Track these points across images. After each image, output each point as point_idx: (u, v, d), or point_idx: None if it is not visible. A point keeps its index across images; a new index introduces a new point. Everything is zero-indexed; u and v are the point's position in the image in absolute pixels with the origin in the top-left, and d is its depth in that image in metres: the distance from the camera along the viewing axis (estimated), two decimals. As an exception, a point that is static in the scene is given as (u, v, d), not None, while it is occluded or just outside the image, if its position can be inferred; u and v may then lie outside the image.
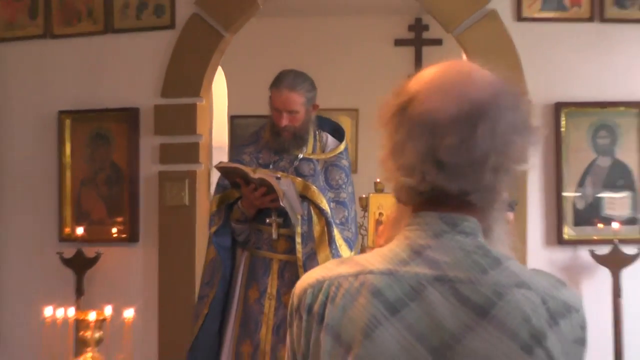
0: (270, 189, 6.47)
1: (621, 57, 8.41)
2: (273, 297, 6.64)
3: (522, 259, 8.12)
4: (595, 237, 8.38)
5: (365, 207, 9.30)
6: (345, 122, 10.38)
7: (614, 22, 8.44)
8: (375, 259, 2.54)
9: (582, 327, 2.53)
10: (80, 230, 8.75)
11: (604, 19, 8.44)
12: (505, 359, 2.40)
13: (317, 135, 6.99)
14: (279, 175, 6.57)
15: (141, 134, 8.78)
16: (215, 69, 9.01)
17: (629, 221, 8.36)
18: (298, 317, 2.58)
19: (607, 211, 8.42)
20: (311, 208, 6.69)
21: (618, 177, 8.46)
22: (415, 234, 2.53)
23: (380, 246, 2.65)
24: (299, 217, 6.62)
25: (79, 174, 8.88)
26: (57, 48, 8.94)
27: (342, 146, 7.03)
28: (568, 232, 8.46)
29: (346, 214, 6.83)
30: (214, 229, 6.99)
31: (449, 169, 2.44)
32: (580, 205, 8.48)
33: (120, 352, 6.31)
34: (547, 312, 2.46)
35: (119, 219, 8.77)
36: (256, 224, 6.77)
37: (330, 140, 7.02)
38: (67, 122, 8.85)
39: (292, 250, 6.67)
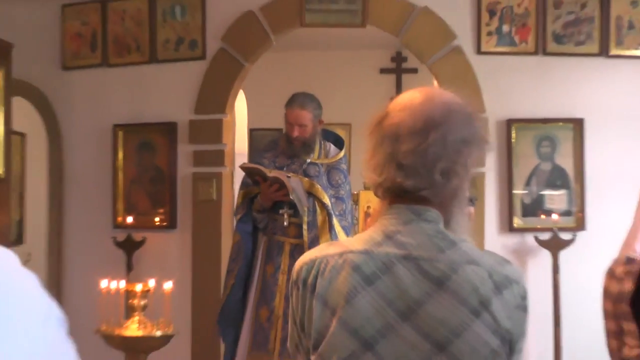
0: (282, 186, 6.57)
1: (559, 83, 8.40)
2: (285, 272, 6.66)
3: (481, 243, 8.16)
4: (538, 226, 8.38)
5: (356, 201, 9.19)
6: (341, 134, 10.39)
7: (553, 55, 8.42)
8: (356, 242, 2.63)
9: (523, 296, 2.57)
10: (130, 219, 8.80)
11: (545, 53, 8.43)
12: (457, 321, 2.46)
13: (322, 144, 7.02)
14: (289, 175, 6.61)
15: (178, 142, 8.76)
16: (238, 92, 8.90)
17: (565, 213, 8.36)
18: (296, 288, 2.65)
19: (548, 205, 8.43)
20: (315, 202, 6.72)
21: (557, 179, 8.46)
22: (389, 221, 2.60)
23: None
24: (306, 209, 6.68)
25: (129, 175, 8.87)
26: (112, 74, 8.93)
27: (342, 153, 7.03)
28: (517, 222, 8.41)
29: (344, 207, 6.89)
30: (238, 217, 7.03)
31: (405, 169, 2.53)
32: (527, 200, 8.45)
33: (161, 316, 6.39)
34: (492, 283, 2.52)
35: (161, 210, 8.76)
36: (272, 214, 6.81)
37: (333, 148, 7.06)
38: (120, 133, 8.85)
39: (300, 235, 6.73)
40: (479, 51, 8.54)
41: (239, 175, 7.46)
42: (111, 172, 8.92)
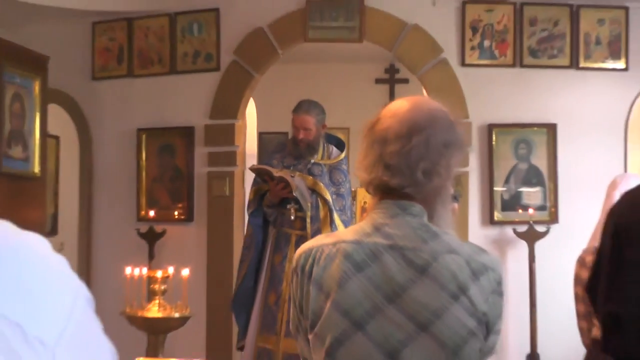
0: (287, 184, 6.55)
1: (534, 92, 8.42)
2: (291, 261, 6.70)
3: (465, 235, 8.19)
4: (516, 219, 8.34)
5: (354, 197, 9.29)
6: (340, 137, 10.40)
7: (529, 67, 8.44)
8: (348, 233, 2.67)
9: (498, 282, 2.57)
10: (152, 213, 8.76)
11: (522, 65, 8.45)
12: (438, 304, 2.49)
13: (325, 147, 7.02)
14: (293, 175, 6.67)
15: (195, 145, 8.74)
16: (248, 99, 8.90)
17: (540, 208, 8.38)
18: (295, 275, 2.67)
19: (525, 201, 8.44)
20: (318, 198, 6.73)
21: (532, 177, 8.48)
22: (377, 215, 2.61)
23: None
24: (309, 204, 6.71)
25: (151, 174, 8.86)
26: (136, 84, 8.93)
27: (343, 155, 7.03)
28: (497, 215, 8.41)
29: (344, 203, 6.90)
30: (250, 211, 7.02)
31: (391, 169, 2.54)
32: (506, 196, 8.46)
33: (179, 300, 6.39)
34: (470, 270, 2.53)
35: (179, 205, 8.75)
36: (280, 209, 6.81)
37: (335, 150, 7.06)
38: (143, 136, 8.84)
39: (305, 227, 6.72)
40: (463, 64, 8.54)
41: (250, 174, 7.49)
42: (135, 171, 8.94)
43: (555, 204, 8.49)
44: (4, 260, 0.66)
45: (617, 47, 8.50)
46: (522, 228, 8.32)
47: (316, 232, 6.60)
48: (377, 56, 9.90)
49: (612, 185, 5.22)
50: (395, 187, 2.57)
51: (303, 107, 6.88)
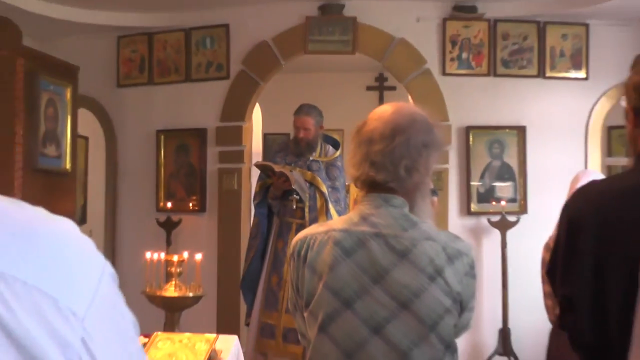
0: (288, 178, 6.63)
1: (506, 98, 8.43)
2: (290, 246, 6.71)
3: (445, 224, 8.19)
4: (490, 210, 8.33)
5: (347, 191, 9.30)
6: (338, 136, 10.39)
7: (502, 77, 8.44)
8: (338, 222, 2.70)
9: (471, 265, 2.62)
10: (169, 205, 8.72)
11: (496, 75, 8.45)
12: (417, 285, 2.52)
13: (323, 146, 7.05)
14: (292, 170, 6.71)
15: (208, 144, 8.76)
16: (254, 104, 8.89)
17: (511, 200, 8.38)
18: (292, 259, 2.71)
19: (498, 194, 8.44)
20: (316, 191, 6.79)
21: (504, 173, 8.49)
22: (364, 206, 2.65)
23: None
24: (307, 195, 6.74)
25: (168, 170, 8.87)
26: (156, 91, 8.94)
27: (338, 153, 7.03)
28: (473, 207, 8.42)
29: (339, 195, 6.92)
30: (256, 202, 7.06)
31: (376, 166, 2.58)
32: (481, 190, 8.47)
33: (193, 281, 6.39)
34: (445, 255, 2.56)
35: (193, 198, 8.75)
36: (283, 201, 6.84)
37: (331, 149, 7.08)
38: (162, 137, 8.85)
39: (304, 217, 6.78)
40: (444, 73, 8.53)
41: (255, 170, 7.49)
42: (154, 167, 8.94)
43: (524, 197, 8.49)
44: (41, 240, 0.66)
45: (578, 59, 8.52)
46: (495, 218, 8.33)
47: (314, 220, 6.65)
48: (368, 66, 9.90)
49: (575, 180, 5.23)
50: (380, 181, 2.60)
51: (303, 109, 6.94)
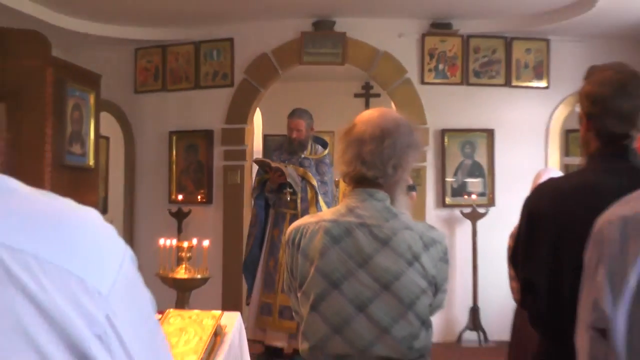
0: (283, 172, 6.63)
1: (477, 104, 8.44)
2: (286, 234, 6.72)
3: (422, 215, 8.21)
4: (462, 203, 8.38)
5: (337, 185, 9.28)
6: (327, 138, 10.33)
7: (473, 85, 8.47)
8: (328, 213, 2.71)
9: (445, 252, 2.63)
10: (180, 197, 8.69)
11: (469, 84, 8.48)
12: (397, 269, 2.54)
13: (313, 146, 7.02)
14: (286, 166, 6.74)
15: (214, 144, 8.75)
16: (255, 109, 8.89)
17: (481, 194, 8.40)
18: (288, 246, 2.71)
19: (469, 189, 8.44)
20: (307, 185, 6.80)
21: (475, 171, 8.50)
22: (351, 199, 2.65)
23: None
24: (299, 187, 6.75)
25: (179, 167, 8.78)
26: (169, 97, 8.88)
27: (325, 152, 7.04)
28: (448, 200, 8.43)
29: (327, 188, 6.92)
30: (255, 195, 7.05)
31: (368, 164, 2.58)
32: (455, 185, 8.48)
33: (201, 265, 6.38)
34: (422, 243, 2.59)
35: (202, 191, 8.70)
36: (278, 194, 6.80)
37: (320, 148, 7.06)
38: (174, 137, 8.82)
39: (297, 208, 6.79)
40: (422, 82, 8.56)
41: (256, 167, 7.48)
42: (167, 164, 8.95)
43: (492, 191, 8.51)
44: (70, 227, 0.66)
45: (540, 71, 8.54)
46: (467, 210, 8.36)
47: (305, 210, 6.67)
48: (356, 76, 9.89)
49: (537, 177, 5.23)
50: (371, 177, 2.60)
51: (296, 113, 6.96)
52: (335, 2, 7.97)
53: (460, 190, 8.55)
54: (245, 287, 7.43)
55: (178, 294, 6.21)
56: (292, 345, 6.68)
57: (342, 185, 9.40)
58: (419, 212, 8.15)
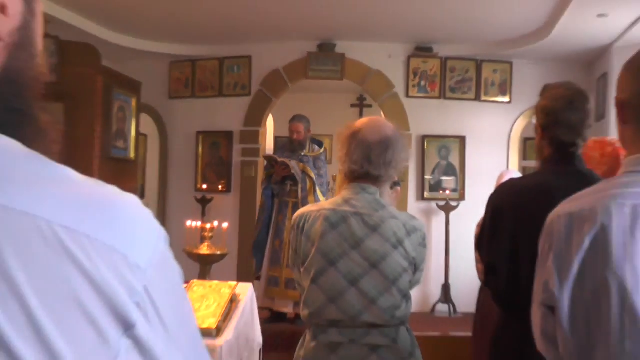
0: (286, 166, 6.63)
1: (452, 115, 8.43)
2: (289, 219, 6.68)
3: (405, 206, 8.18)
4: (438, 197, 8.33)
5: (334, 180, 9.30)
6: (326, 141, 10.29)
7: (449, 99, 8.43)
8: (327, 203, 2.69)
9: (423, 238, 2.65)
10: (204, 186, 8.64)
11: (445, 98, 8.45)
12: (384, 251, 2.55)
13: (310, 145, 7.00)
14: (289, 161, 6.74)
15: (233, 143, 8.67)
16: (268, 115, 8.84)
17: (454, 190, 8.37)
18: (293, 230, 2.71)
19: (444, 185, 8.42)
20: (306, 177, 6.80)
21: (449, 170, 8.47)
22: (347, 192, 2.66)
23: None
24: (300, 178, 6.76)
25: (205, 161, 8.71)
26: (197, 102, 8.82)
27: (321, 150, 6.97)
28: (426, 194, 8.39)
29: (322, 180, 6.87)
30: (263, 187, 7.04)
31: (374, 164, 2.59)
32: (432, 182, 8.45)
33: (220, 243, 6.38)
34: (405, 230, 2.60)
35: (222, 182, 8.64)
36: (283, 185, 6.79)
37: (316, 147, 6.98)
38: (200, 137, 8.81)
39: (298, 197, 6.79)
40: (407, 96, 8.52)
41: (263, 163, 7.48)
42: (194, 159, 8.92)
43: (463, 188, 8.49)
44: (115, 210, 0.66)
45: (504, 88, 8.53)
46: (442, 203, 8.33)
47: (304, 198, 6.68)
48: (352, 89, 9.87)
49: (500, 177, 5.23)
50: (375, 174, 2.60)
51: (296, 118, 6.96)
52: (336, 28, 7.96)
53: (436, 186, 8.53)
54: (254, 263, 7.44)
55: (201, 267, 6.21)
56: (295, 311, 6.70)
57: (338, 179, 9.42)
58: (402, 204, 8.12)
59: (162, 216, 8.89)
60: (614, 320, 1.53)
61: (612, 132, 6.98)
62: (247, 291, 4.23)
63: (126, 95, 7.48)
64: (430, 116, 8.51)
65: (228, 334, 3.69)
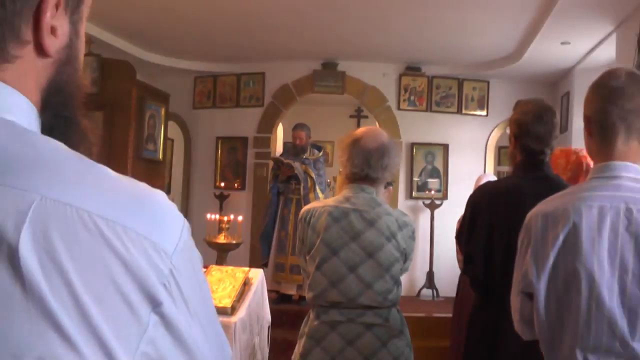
0: (291, 167, 6.63)
1: (437, 126, 8.40)
2: (293, 213, 6.64)
3: (396, 204, 8.13)
4: (424, 196, 8.27)
5: (335, 180, 9.30)
6: (328, 146, 10.32)
7: (435, 112, 8.39)
8: (330, 201, 2.69)
9: (413, 232, 2.69)
10: (222, 184, 8.59)
11: (431, 111, 8.41)
12: (379, 243, 2.54)
13: (310, 150, 6.92)
14: (294, 162, 6.73)
15: (248, 147, 8.53)
16: (279, 123, 8.80)
17: (438, 190, 8.37)
18: (301, 223, 2.69)
19: (429, 186, 8.41)
20: (307, 177, 6.79)
21: (434, 173, 8.44)
22: (347, 191, 2.64)
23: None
24: (302, 178, 6.76)
25: (223, 162, 8.66)
26: (217, 112, 8.71)
27: (320, 154, 6.93)
28: (414, 194, 8.35)
29: (321, 180, 6.82)
30: (270, 185, 7.02)
31: (373, 168, 2.58)
32: (419, 183, 8.42)
33: (235, 233, 6.39)
34: (397, 225, 2.61)
35: (238, 180, 8.58)
36: (287, 184, 6.78)
37: (316, 151, 6.92)
38: (220, 141, 8.71)
39: (300, 194, 6.77)
40: (399, 108, 8.48)
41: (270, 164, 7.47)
42: (214, 160, 8.87)
43: (446, 189, 8.46)
44: (146, 203, 0.67)
45: (482, 103, 8.51)
46: (427, 201, 8.29)
47: (306, 195, 6.70)
48: (351, 102, 9.88)
49: (478, 180, 5.24)
50: (373, 177, 2.59)
51: (298, 126, 6.95)
52: (338, 50, 7.95)
53: (423, 187, 8.50)
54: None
55: (218, 254, 6.22)
56: (299, 293, 6.69)
57: (338, 180, 9.41)
58: (393, 202, 8.08)
59: (185, 210, 8.88)
60: (582, 305, 1.57)
61: (574, 143, 6.98)
62: (258, 275, 4.21)
63: (156, 105, 7.48)
64: (418, 126, 8.47)
65: (241, 312, 3.68)
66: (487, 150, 8.53)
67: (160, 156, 7.61)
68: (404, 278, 2.73)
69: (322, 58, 8.39)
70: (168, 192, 9.60)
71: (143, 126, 7.16)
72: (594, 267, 1.57)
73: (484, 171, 8.15)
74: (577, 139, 7.08)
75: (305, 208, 2.73)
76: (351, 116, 11.38)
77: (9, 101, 0.67)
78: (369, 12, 6.26)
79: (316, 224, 2.61)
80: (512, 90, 8.23)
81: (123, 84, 6.78)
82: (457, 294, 4.80)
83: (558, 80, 8.18)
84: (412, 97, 8.49)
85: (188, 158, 9.18)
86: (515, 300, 1.81)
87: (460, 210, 3.16)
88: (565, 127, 7.54)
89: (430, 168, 8.54)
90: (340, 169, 2.76)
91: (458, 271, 4.68)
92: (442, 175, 8.50)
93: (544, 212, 1.70)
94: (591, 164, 3.27)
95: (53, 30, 0.70)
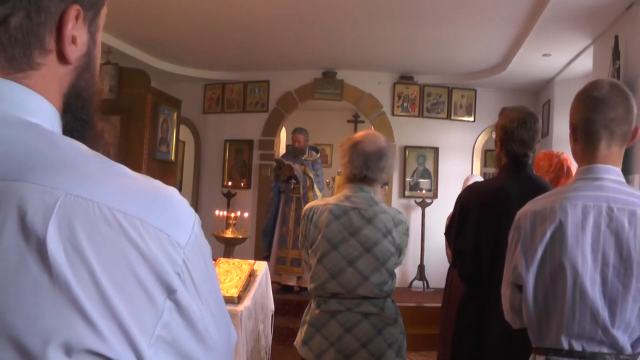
0: (291, 168, 6.64)
1: (428, 131, 8.39)
2: (293, 210, 6.66)
3: (390, 202, 8.13)
4: (416, 195, 8.25)
5: (334, 180, 9.30)
6: (327, 149, 10.31)
7: (426, 118, 8.35)
8: (331, 199, 2.67)
9: (407, 229, 2.68)
10: (230, 183, 8.60)
11: (423, 117, 8.38)
12: (376, 238, 2.55)
13: (308, 152, 7.00)
14: (294, 163, 6.72)
15: (254, 149, 8.52)
16: (282, 127, 8.78)
17: (428, 190, 8.36)
18: (304, 219, 2.68)
19: (421, 186, 8.40)
20: (306, 177, 6.80)
21: (425, 174, 8.42)
22: (348, 191, 2.63)
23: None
24: (301, 178, 6.77)
25: (230, 163, 8.66)
26: (226, 117, 8.71)
27: (317, 156, 6.95)
28: (407, 193, 8.32)
29: (319, 179, 6.89)
30: (273, 185, 7.03)
31: (372, 170, 2.57)
32: (412, 183, 8.40)
33: (242, 229, 6.37)
34: (393, 222, 2.61)
35: (244, 180, 8.57)
36: (287, 184, 6.80)
37: (314, 153, 6.95)
38: (227, 144, 8.60)
39: (299, 192, 6.76)
40: (393, 114, 8.45)
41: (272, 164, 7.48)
42: (222, 161, 8.85)
43: (436, 189, 8.43)
44: (161, 198, 0.67)
45: (470, 110, 8.49)
46: (419, 200, 8.26)
47: (305, 194, 6.74)
48: (349, 108, 9.88)
49: (466, 180, 5.23)
50: (371, 178, 2.58)
51: (297, 130, 7.01)
52: (337, 60, 7.94)
53: (415, 187, 8.48)
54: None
55: (226, 248, 6.19)
56: (298, 284, 6.69)
57: (338, 180, 9.39)
58: (388, 200, 8.08)
59: (195, 207, 8.84)
60: (567, 295, 1.61)
61: (555, 146, 6.97)
62: (262, 268, 4.21)
63: (169, 110, 7.47)
64: (411, 131, 8.45)
65: (247, 302, 3.67)
66: (474, 153, 8.52)
67: (173, 157, 7.59)
68: (397, 271, 2.73)
69: (323, 67, 8.38)
70: (179, 190, 9.50)
71: (157, 129, 7.15)
72: (578, 261, 1.60)
73: (472, 172, 8.14)
74: (557, 143, 7.08)
75: (308, 206, 2.72)
76: (349, 121, 11.36)
77: (34, 105, 0.68)
78: (367, 26, 6.26)
79: (318, 221, 2.60)
80: (498, 98, 8.22)
81: (138, 90, 6.79)
82: (445, 285, 4.79)
83: (540, 89, 8.17)
84: (405, 104, 8.48)
85: (198, 159, 9.17)
86: (505, 292, 1.83)
87: (450, 209, 3.16)
88: (546, 133, 7.56)
89: (421, 169, 8.52)
90: (341, 170, 2.76)
91: (447, 264, 4.67)
92: (433, 176, 8.48)
93: (533, 211, 1.73)
94: (572, 166, 3.28)
95: (74, 40, 0.71)
